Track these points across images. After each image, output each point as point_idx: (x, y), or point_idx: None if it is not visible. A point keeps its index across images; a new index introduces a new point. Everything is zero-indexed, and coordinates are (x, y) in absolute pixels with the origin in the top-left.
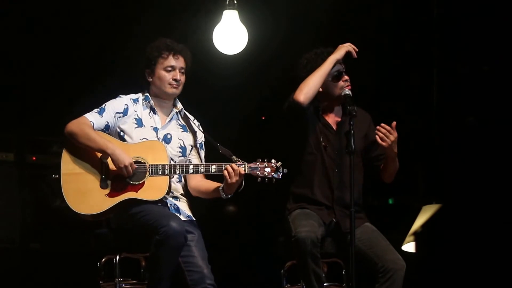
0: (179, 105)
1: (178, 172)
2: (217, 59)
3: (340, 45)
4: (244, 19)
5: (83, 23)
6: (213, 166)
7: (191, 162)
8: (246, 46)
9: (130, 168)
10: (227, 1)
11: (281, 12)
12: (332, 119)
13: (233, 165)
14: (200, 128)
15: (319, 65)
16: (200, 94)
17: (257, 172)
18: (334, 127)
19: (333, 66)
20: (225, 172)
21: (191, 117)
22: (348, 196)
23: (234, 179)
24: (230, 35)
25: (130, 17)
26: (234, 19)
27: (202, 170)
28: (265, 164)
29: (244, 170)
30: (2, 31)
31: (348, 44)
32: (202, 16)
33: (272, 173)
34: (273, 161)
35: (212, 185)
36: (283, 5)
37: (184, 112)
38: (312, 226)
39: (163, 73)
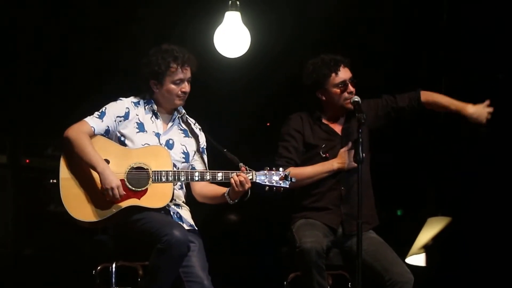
0: (182, 110)
1: (183, 179)
2: (218, 62)
3: (343, 160)
4: (247, 21)
5: (81, 23)
6: (219, 174)
7: (194, 168)
8: (248, 49)
9: (116, 190)
10: (229, 2)
11: (284, 14)
12: (337, 127)
13: (241, 173)
14: (202, 132)
15: (325, 74)
16: (200, 98)
17: (265, 180)
18: (340, 133)
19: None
20: (232, 181)
21: (193, 121)
22: (353, 196)
23: (241, 187)
24: (232, 37)
25: (130, 17)
26: (236, 21)
27: (208, 177)
28: (273, 172)
29: (252, 178)
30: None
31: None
32: (203, 18)
33: (280, 182)
34: (281, 169)
35: (218, 190)
36: (287, 7)
37: (186, 117)
38: (317, 236)
39: (172, 86)
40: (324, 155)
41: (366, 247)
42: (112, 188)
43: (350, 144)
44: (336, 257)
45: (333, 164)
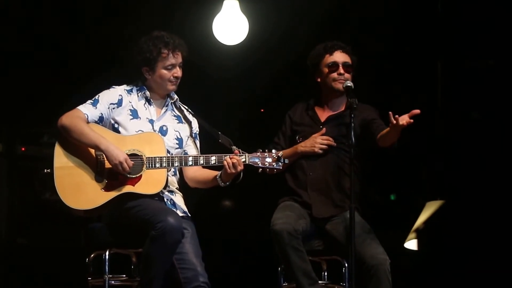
0: (174, 96)
1: (176, 164)
2: (217, 49)
3: (314, 144)
4: (245, 9)
5: (78, 12)
6: (213, 158)
7: (187, 153)
8: (246, 37)
9: (125, 164)
10: None
11: (283, 2)
12: (325, 114)
13: (234, 156)
14: (194, 118)
15: (321, 55)
16: (198, 85)
17: (258, 162)
18: (323, 120)
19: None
20: (225, 163)
21: (185, 107)
22: (323, 182)
23: (234, 169)
24: (231, 25)
25: (128, 5)
26: (234, 9)
27: (202, 161)
28: (266, 154)
29: (245, 160)
30: None
31: (319, 146)
32: (202, 6)
33: (273, 164)
34: (273, 151)
35: (210, 174)
36: None
37: (179, 103)
38: (288, 217)
39: (164, 71)
40: (298, 140)
41: (341, 230)
42: (120, 163)
43: (323, 130)
44: (317, 242)
45: (297, 147)
